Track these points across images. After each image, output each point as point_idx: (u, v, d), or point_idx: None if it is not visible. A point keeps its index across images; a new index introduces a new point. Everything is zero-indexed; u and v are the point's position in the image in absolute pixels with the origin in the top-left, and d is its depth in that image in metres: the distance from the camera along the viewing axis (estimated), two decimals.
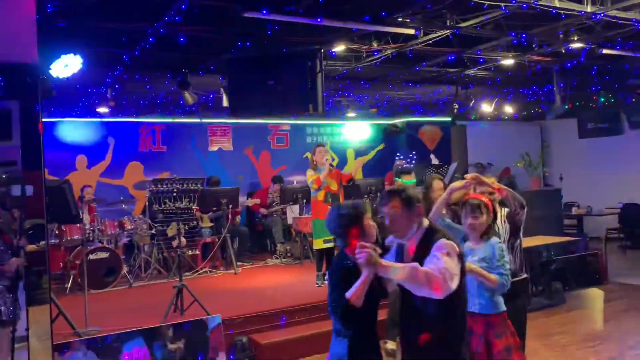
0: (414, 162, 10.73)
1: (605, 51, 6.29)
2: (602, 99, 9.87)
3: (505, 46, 6.04)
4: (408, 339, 2.78)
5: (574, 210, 11.58)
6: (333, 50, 5.93)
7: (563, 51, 6.33)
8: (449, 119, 12.73)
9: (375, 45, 5.78)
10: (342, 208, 2.84)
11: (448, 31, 5.27)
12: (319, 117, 11.11)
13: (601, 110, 10.32)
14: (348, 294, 2.55)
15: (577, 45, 6.08)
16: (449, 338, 2.64)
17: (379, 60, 6.35)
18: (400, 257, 2.79)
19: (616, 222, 11.22)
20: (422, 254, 2.62)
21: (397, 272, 2.48)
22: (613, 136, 10.40)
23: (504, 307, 3.38)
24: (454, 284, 2.48)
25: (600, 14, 4.90)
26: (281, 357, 5.70)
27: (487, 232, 3.41)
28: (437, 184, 4.48)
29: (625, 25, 5.50)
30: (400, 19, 4.96)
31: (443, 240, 2.60)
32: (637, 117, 10.12)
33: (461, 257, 2.62)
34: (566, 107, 7.53)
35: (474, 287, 3.33)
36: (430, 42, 5.67)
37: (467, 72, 7.49)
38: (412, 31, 5.20)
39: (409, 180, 5.29)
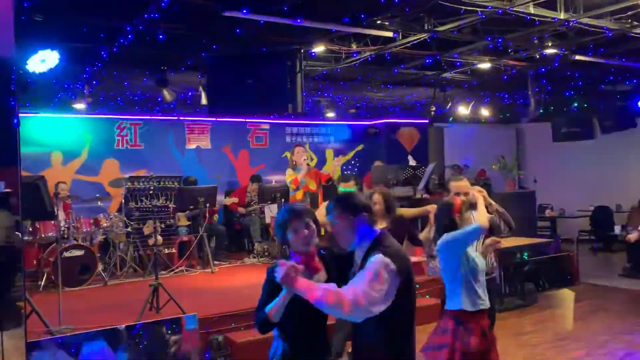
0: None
1: (577, 57, 6.45)
2: (576, 104, 10.10)
3: (481, 50, 6.15)
4: (355, 356, 2.73)
5: (548, 213, 11.82)
6: (313, 50, 5.97)
7: (537, 56, 6.47)
8: (426, 121, 12.89)
9: (354, 47, 5.83)
10: (282, 208, 2.84)
11: (426, 34, 5.35)
12: (298, 116, 11.12)
13: (574, 115, 10.56)
14: (267, 309, 2.52)
15: (551, 51, 6.22)
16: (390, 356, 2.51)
17: (358, 61, 6.42)
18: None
19: (588, 225, 11.48)
20: (363, 267, 2.50)
21: (310, 293, 2.38)
22: (585, 140, 10.65)
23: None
24: (374, 308, 2.35)
25: (573, 21, 5.04)
26: (257, 356, 5.70)
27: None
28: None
29: (597, 33, 5.65)
30: (379, 22, 5.02)
31: (378, 256, 2.43)
32: (609, 122, 10.38)
33: (403, 274, 2.44)
34: (540, 111, 7.69)
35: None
36: (408, 45, 5.74)
37: (444, 75, 7.60)
38: (390, 34, 5.27)
39: (348, 188, 5.15)
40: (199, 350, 5.47)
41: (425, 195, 9.70)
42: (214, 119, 10.98)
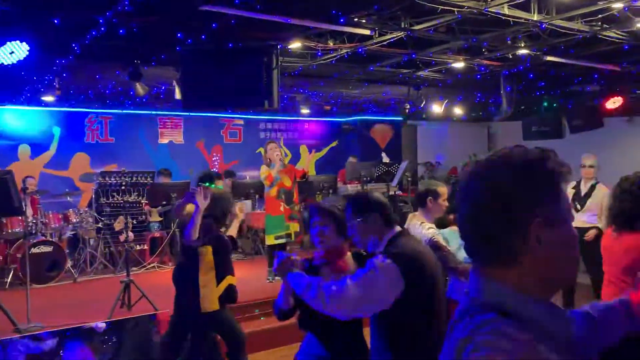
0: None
1: (549, 58, 6.58)
2: (545, 104, 10.30)
3: (456, 50, 6.22)
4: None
5: None
6: (289, 47, 5.95)
7: (511, 56, 6.58)
8: (400, 118, 12.99)
9: (331, 44, 5.83)
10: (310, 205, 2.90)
11: (402, 33, 5.38)
12: (273, 112, 11.08)
13: (544, 114, 10.79)
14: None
15: (523, 51, 6.34)
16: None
17: (334, 58, 6.42)
18: None
19: None
20: None
21: (297, 285, 2.43)
22: (554, 139, 10.88)
23: None
24: (359, 308, 2.31)
25: (545, 22, 5.13)
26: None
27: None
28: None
29: (568, 34, 5.77)
30: (356, 19, 5.03)
31: (378, 257, 2.38)
32: (577, 121, 10.62)
33: (410, 275, 2.33)
34: (512, 110, 7.83)
35: None
36: (385, 43, 5.77)
37: (419, 73, 7.67)
38: (367, 31, 5.29)
39: (221, 185, 5.14)
40: None
41: (398, 192, 9.80)
42: (187, 114, 10.86)
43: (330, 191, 11.33)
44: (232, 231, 4.38)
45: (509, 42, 5.99)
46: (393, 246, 2.44)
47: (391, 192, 9.66)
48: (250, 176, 11.40)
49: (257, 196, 9.92)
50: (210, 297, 4.04)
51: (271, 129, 12.43)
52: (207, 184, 4.52)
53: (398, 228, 2.57)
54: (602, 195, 5.83)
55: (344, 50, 6.05)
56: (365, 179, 9.74)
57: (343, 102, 9.72)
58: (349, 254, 2.77)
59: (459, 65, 7.11)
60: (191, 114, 10.79)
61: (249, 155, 11.82)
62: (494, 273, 1.09)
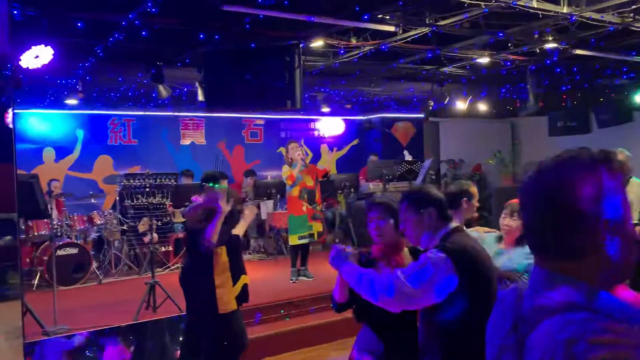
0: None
1: (578, 51, 6.40)
2: (572, 98, 10.06)
3: (481, 45, 6.09)
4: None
5: None
6: (311, 45, 5.88)
7: (538, 50, 6.42)
8: (422, 115, 12.83)
9: (354, 41, 5.74)
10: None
11: (427, 29, 5.27)
12: (293, 111, 11.03)
13: (570, 109, 10.53)
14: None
15: (551, 45, 6.17)
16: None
17: (356, 56, 6.33)
18: None
19: None
20: None
21: (350, 277, 2.45)
22: (581, 134, 10.62)
23: None
24: (411, 300, 2.27)
25: (576, 14, 4.98)
26: (257, 355, 5.65)
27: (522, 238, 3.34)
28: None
29: (598, 27, 5.60)
30: (380, 16, 4.94)
31: (433, 250, 2.34)
32: (605, 116, 10.35)
33: (464, 271, 2.28)
34: (539, 105, 7.65)
35: None
36: (409, 39, 5.66)
37: (442, 69, 7.54)
38: (392, 28, 5.19)
39: (225, 185, 5.04)
40: None
41: None
42: (209, 115, 10.87)
43: (352, 190, 11.28)
44: (239, 230, 4.33)
45: (536, 35, 5.83)
46: (447, 241, 2.40)
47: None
48: (272, 176, 11.39)
49: (278, 196, 9.90)
50: (226, 297, 4.02)
51: (291, 128, 12.38)
52: (211, 184, 4.50)
53: (453, 224, 2.51)
54: (637, 190, 5.68)
55: (367, 48, 5.95)
56: (387, 177, 9.63)
57: (364, 100, 9.61)
58: (405, 249, 2.78)
59: (484, 60, 6.97)
60: (212, 114, 10.79)
61: (270, 155, 11.80)
62: (565, 269, 1.14)
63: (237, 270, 4.09)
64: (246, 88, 5.57)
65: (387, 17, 4.99)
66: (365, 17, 4.88)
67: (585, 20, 5.15)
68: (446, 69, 7.54)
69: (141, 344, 5.88)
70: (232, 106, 6.14)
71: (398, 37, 5.59)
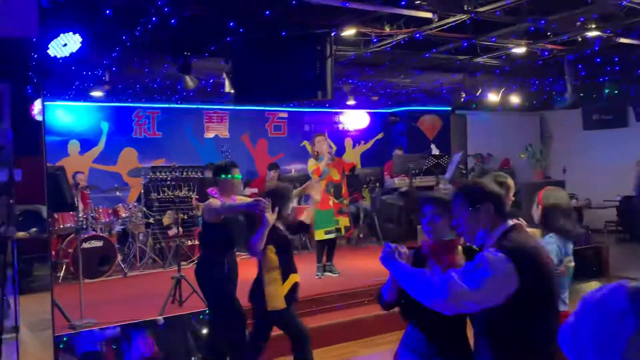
0: None
1: (622, 40, 6.10)
2: (607, 90, 9.69)
3: (520, 33, 5.81)
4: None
5: (573, 203, 11.46)
6: (343, 33, 5.67)
7: (580, 39, 6.12)
8: (448, 108, 12.56)
9: (387, 29, 5.52)
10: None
11: (465, 16, 5.03)
12: (317, 104, 10.86)
13: (607, 102, 10.17)
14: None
15: (594, 33, 5.87)
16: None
17: (389, 45, 6.10)
18: None
19: (615, 215, 11.11)
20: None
21: (401, 277, 2.33)
22: (618, 128, 10.25)
23: None
24: (466, 302, 2.10)
25: (626, 0, 4.71)
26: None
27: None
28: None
29: None
30: (417, 2, 4.72)
31: (490, 250, 2.18)
32: None
33: (524, 273, 2.11)
34: (580, 96, 7.35)
35: None
36: (445, 27, 5.43)
37: (476, 59, 7.27)
38: (429, 15, 4.96)
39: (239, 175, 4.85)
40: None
41: (448, 185, 9.45)
42: (232, 107, 10.75)
43: (377, 185, 11.08)
44: (307, 217, 4.46)
45: (578, 23, 5.54)
46: (506, 240, 2.21)
47: (441, 185, 9.34)
48: (295, 169, 11.26)
49: None
50: (275, 295, 3.99)
51: (315, 121, 12.21)
52: (223, 176, 4.38)
53: (510, 222, 2.33)
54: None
55: (400, 36, 5.73)
56: (413, 171, 9.44)
57: (392, 92, 9.38)
58: (460, 247, 2.63)
59: (520, 50, 6.69)
60: (236, 107, 10.67)
61: (294, 149, 11.66)
62: None
63: (287, 268, 4.06)
64: (275, 79, 5.40)
65: (425, 3, 4.76)
66: (403, 3, 4.67)
67: (635, 5, 4.86)
68: (480, 59, 7.27)
69: (168, 338, 5.81)
70: (262, 98, 5.96)
71: (434, 25, 5.36)
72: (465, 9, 4.88)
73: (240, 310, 4.55)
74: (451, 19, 5.20)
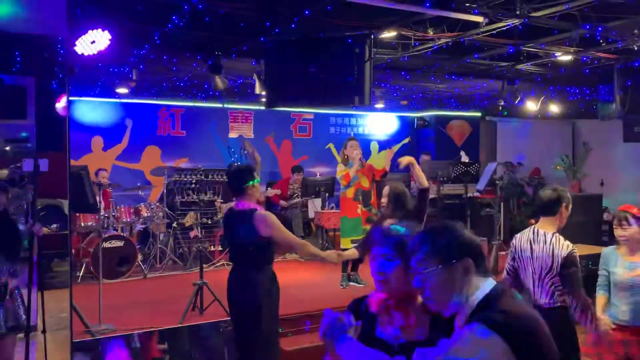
0: None
1: None
2: None
3: (577, 40, 5.46)
4: None
5: (605, 216, 11.02)
6: (383, 36, 5.37)
7: (636, 48, 5.75)
8: (478, 114, 12.18)
9: (430, 33, 5.22)
10: None
11: (518, 20, 4.70)
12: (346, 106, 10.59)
13: None
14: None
15: None
16: None
17: (430, 49, 5.79)
18: None
19: None
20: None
21: (347, 355, 1.72)
22: None
23: None
24: None
25: None
26: None
27: None
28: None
29: None
30: (467, 4, 4.41)
31: (477, 325, 1.59)
32: None
33: (522, 351, 1.57)
34: (625, 108, 6.98)
35: None
36: (494, 32, 5.10)
37: (519, 66, 6.92)
38: (480, 19, 4.65)
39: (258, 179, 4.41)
40: None
41: (476, 194, 9.11)
42: (257, 108, 10.53)
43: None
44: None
45: (637, 30, 5.17)
46: (492, 310, 1.62)
47: (469, 194, 9.00)
48: (320, 173, 11.01)
49: (327, 194, 9.52)
50: None
51: (341, 124, 11.93)
52: (251, 183, 3.99)
53: (493, 281, 1.72)
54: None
55: (443, 40, 5.42)
56: (441, 179, 9.12)
57: (424, 96, 9.06)
58: (420, 299, 1.88)
59: (566, 58, 6.33)
60: (262, 108, 10.44)
61: (319, 151, 11.41)
62: None
63: None
64: (310, 82, 5.11)
65: (475, 5, 4.45)
66: (452, 5, 4.36)
67: None
68: (523, 67, 6.92)
69: (187, 347, 5.63)
70: (295, 102, 5.67)
71: (481, 30, 5.04)
72: (518, 13, 4.55)
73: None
74: (501, 24, 4.87)
